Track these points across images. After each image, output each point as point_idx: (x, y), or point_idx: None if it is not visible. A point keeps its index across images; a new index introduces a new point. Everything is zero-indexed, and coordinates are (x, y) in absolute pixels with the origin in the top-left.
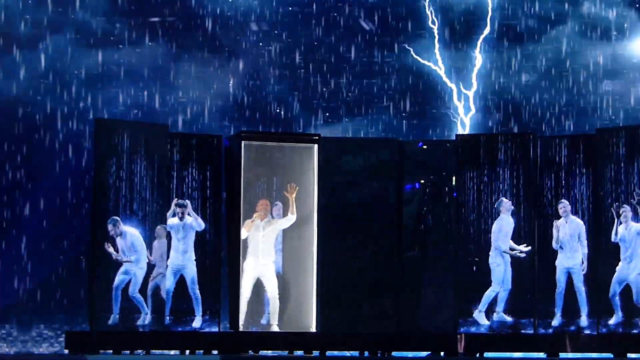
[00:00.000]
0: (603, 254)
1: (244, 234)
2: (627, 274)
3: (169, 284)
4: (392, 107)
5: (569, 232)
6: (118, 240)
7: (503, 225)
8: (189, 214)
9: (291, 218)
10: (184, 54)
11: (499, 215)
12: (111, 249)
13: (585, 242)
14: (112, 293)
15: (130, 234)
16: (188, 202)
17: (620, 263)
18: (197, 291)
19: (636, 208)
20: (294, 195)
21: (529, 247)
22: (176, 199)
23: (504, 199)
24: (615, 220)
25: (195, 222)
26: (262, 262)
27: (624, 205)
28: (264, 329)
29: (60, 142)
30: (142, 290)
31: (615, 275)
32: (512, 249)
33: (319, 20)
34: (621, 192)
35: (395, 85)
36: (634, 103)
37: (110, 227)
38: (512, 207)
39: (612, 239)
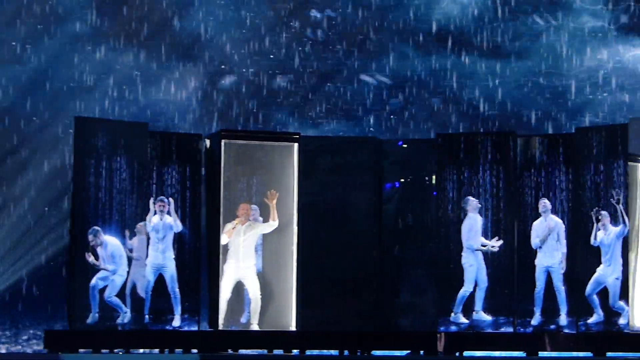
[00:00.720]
0: (582, 253)
1: (224, 239)
2: (606, 277)
3: (148, 282)
4: (374, 108)
5: (549, 230)
6: (99, 249)
7: (472, 224)
8: (168, 213)
9: (273, 224)
10: (163, 56)
11: (466, 214)
12: (91, 258)
13: (564, 241)
14: (89, 292)
15: (110, 244)
16: (171, 200)
17: (601, 265)
18: (177, 290)
19: (616, 210)
20: (274, 201)
21: (501, 241)
22: (153, 198)
23: (469, 197)
24: (594, 225)
25: (174, 222)
26: (243, 266)
27: (602, 212)
28: (243, 327)
29: (39, 141)
30: (119, 292)
31: (595, 276)
32: (483, 245)
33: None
34: (601, 191)
35: (375, 87)
36: (613, 104)
37: (90, 237)
38: (479, 205)
39: (592, 243)
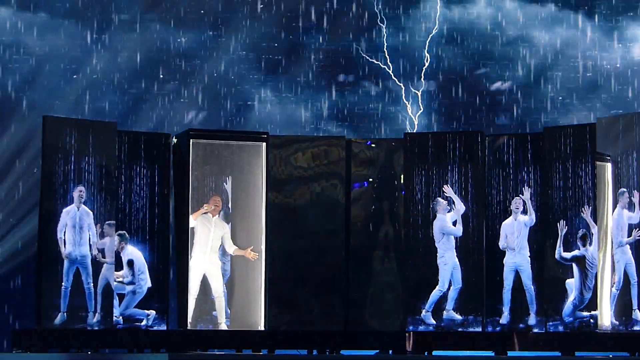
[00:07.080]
0: (551, 252)
1: (191, 222)
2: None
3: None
4: (342, 105)
5: (517, 230)
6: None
7: (442, 225)
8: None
9: (231, 248)
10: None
11: (435, 216)
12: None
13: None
14: (61, 291)
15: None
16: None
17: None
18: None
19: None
20: (248, 256)
21: None
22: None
23: (439, 198)
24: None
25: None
26: (209, 260)
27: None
28: (212, 326)
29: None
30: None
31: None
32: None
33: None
34: (568, 190)
35: (344, 83)
36: (584, 103)
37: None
38: (448, 207)
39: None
